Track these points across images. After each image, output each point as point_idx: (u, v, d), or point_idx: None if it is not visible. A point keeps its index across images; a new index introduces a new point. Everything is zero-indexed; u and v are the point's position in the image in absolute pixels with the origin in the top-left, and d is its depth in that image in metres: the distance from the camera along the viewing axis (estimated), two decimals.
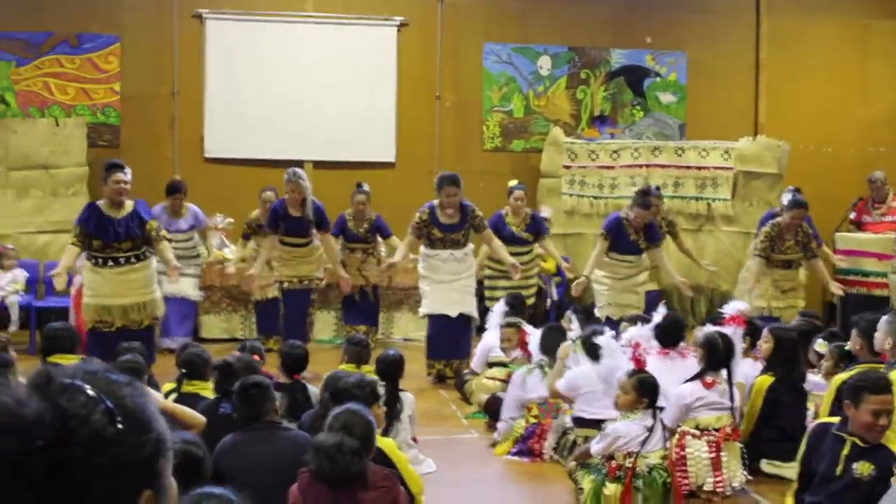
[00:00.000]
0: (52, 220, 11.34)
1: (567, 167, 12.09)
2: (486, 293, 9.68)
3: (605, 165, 12.06)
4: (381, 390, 5.14)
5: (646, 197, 9.07)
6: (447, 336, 8.69)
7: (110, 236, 7.60)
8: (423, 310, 8.86)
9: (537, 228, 9.77)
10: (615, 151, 12.10)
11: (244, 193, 10.97)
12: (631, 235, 9.08)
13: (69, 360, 5.57)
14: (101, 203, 7.75)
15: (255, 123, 12.08)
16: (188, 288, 10.28)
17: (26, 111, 11.73)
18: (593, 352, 6.27)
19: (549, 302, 10.71)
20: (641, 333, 6.50)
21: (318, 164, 11.86)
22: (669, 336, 6.79)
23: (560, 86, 12.75)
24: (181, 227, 10.25)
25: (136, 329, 7.68)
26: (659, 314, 6.97)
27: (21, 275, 10.61)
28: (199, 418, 4.60)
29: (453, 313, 8.62)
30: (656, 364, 6.29)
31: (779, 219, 9.07)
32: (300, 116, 12.10)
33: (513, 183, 10.16)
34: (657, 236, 9.23)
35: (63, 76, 11.83)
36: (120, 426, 1.27)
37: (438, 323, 8.71)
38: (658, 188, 10.52)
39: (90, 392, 1.28)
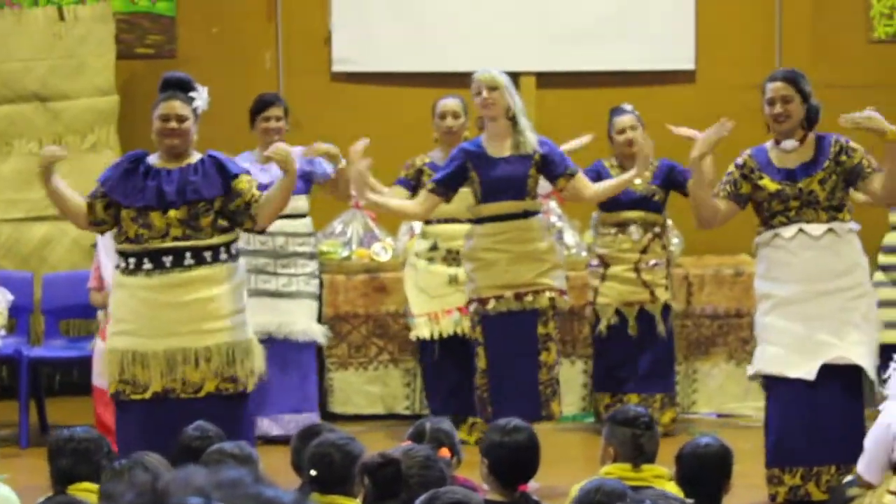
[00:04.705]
0: None
1: None
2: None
3: None
4: None
5: None
6: (804, 419, 8.56)
7: (149, 197, 7.86)
8: (753, 366, 8.82)
9: None
10: None
11: (405, 136, 11.15)
12: None
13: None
14: (152, 156, 8.20)
15: (425, 10, 12.48)
16: (302, 318, 10.43)
17: None
18: None
19: None
20: None
21: (545, 80, 12.00)
22: None
23: None
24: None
25: (200, 398, 7.93)
26: None
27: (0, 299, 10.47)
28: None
29: (809, 372, 8.46)
30: None
31: None
32: None
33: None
34: None
35: None
36: None
37: (785, 392, 8.62)
38: None
39: None
